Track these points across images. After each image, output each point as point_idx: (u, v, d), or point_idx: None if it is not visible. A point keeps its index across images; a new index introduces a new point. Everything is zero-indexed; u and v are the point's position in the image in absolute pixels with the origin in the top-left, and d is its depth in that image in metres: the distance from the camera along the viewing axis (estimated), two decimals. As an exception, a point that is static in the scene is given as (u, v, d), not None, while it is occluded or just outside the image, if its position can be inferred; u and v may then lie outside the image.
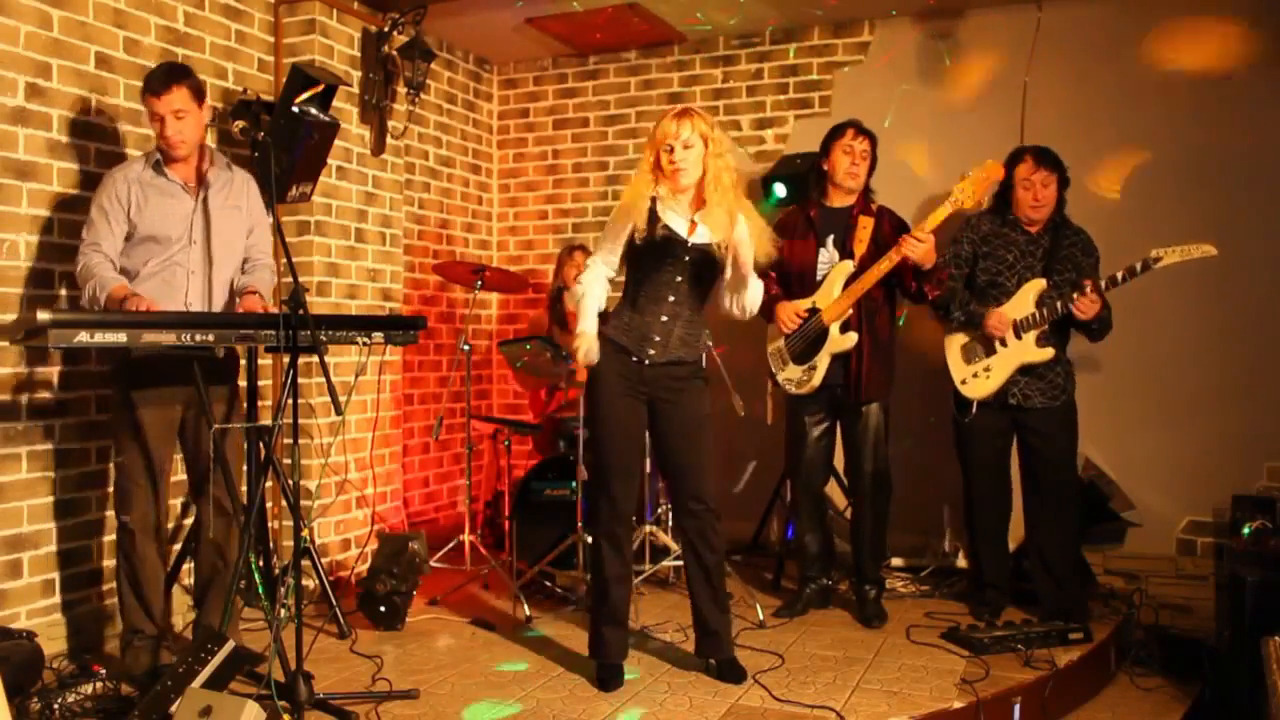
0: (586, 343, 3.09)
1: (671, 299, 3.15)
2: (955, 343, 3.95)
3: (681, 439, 3.19)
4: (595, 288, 3.19)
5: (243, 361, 4.06)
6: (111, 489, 3.40)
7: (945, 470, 4.48)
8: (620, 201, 3.20)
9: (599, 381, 3.15)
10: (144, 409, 3.12)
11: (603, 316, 3.22)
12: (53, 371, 3.46)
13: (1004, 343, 3.79)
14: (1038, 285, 3.76)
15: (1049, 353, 3.74)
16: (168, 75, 3.14)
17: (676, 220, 3.11)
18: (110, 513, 3.63)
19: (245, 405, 3.52)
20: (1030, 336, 3.75)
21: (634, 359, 3.14)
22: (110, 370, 3.25)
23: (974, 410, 3.86)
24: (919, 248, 3.59)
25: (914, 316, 4.49)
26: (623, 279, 3.28)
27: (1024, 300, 3.77)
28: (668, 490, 3.29)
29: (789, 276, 3.95)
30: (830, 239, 3.88)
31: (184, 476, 3.39)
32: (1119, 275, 3.59)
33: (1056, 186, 3.80)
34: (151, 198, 3.16)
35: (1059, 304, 3.68)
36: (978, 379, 3.85)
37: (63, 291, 3.49)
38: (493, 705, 3.00)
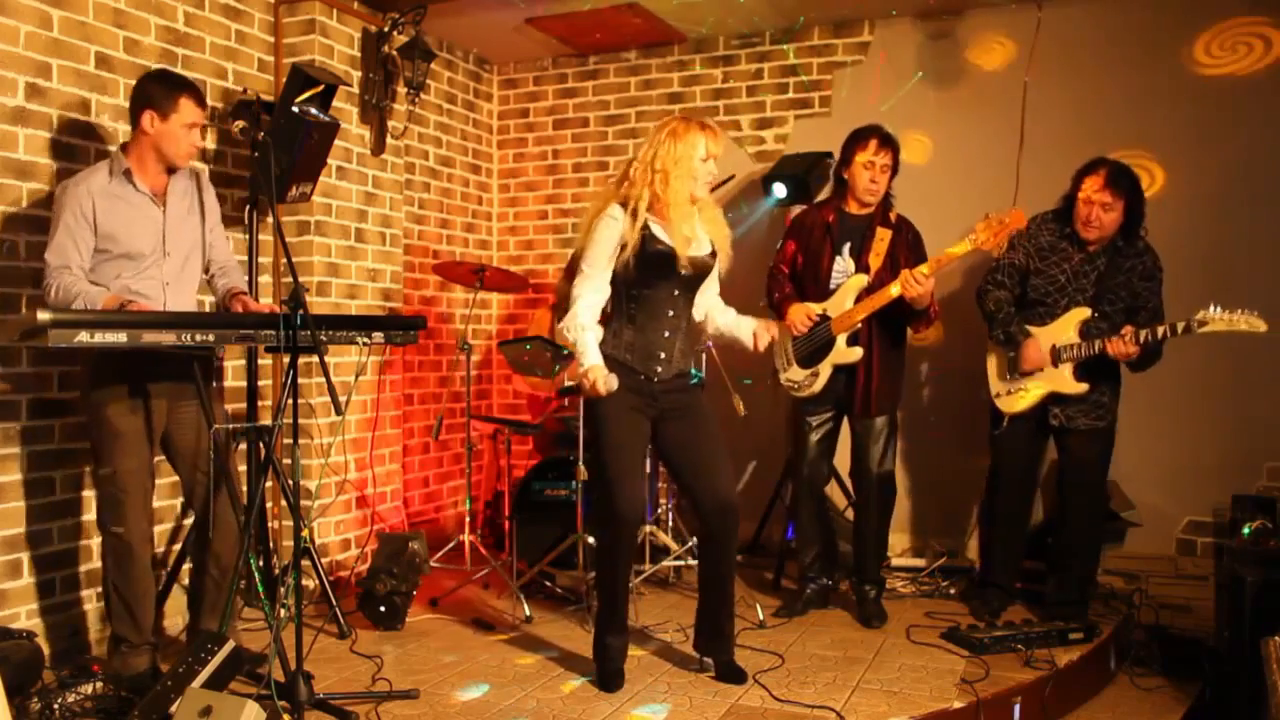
0: (600, 374, 3.00)
1: (671, 314, 3.15)
2: (995, 356, 3.91)
3: (704, 444, 3.17)
4: (594, 322, 3.11)
5: (240, 362, 4.08)
6: (96, 499, 3.25)
7: (946, 471, 4.49)
8: (597, 228, 3.09)
9: (607, 401, 3.04)
10: (128, 413, 3.05)
11: (601, 338, 3.15)
12: (53, 371, 3.46)
13: (1040, 367, 3.75)
14: (1081, 314, 3.68)
15: (1082, 388, 3.67)
16: (198, 89, 3.15)
17: (669, 233, 3.08)
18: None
19: (222, 405, 3.47)
20: (1067, 368, 3.69)
21: (642, 376, 3.12)
22: (87, 375, 3.08)
23: (1006, 424, 3.83)
24: (914, 289, 3.58)
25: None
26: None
27: (1065, 327, 3.70)
28: (694, 493, 3.18)
29: (801, 278, 3.94)
30: (847, 247, 3.85)
31: (175, 478, 3.36)
32: (1160, 330, 3.52)
33: (1122, 213, 3.63)
34: (120, 210, 3.04)
35: (1096, 344, 3.61)
36: (1012, 396, 3.82)
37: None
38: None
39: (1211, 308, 3.46)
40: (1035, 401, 3.76)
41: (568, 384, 4.15)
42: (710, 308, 3.35)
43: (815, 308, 3.84)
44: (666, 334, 3.14)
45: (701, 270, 3.18)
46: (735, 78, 5.41)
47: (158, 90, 3.07)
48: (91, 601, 3.58)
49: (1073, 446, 3.81)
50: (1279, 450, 4.38)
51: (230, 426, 3.20)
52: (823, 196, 4.45)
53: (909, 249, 3.82)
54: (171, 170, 3.17)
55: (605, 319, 3.19)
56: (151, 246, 3.11)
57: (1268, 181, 4.43)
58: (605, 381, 3.00)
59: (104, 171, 3.09)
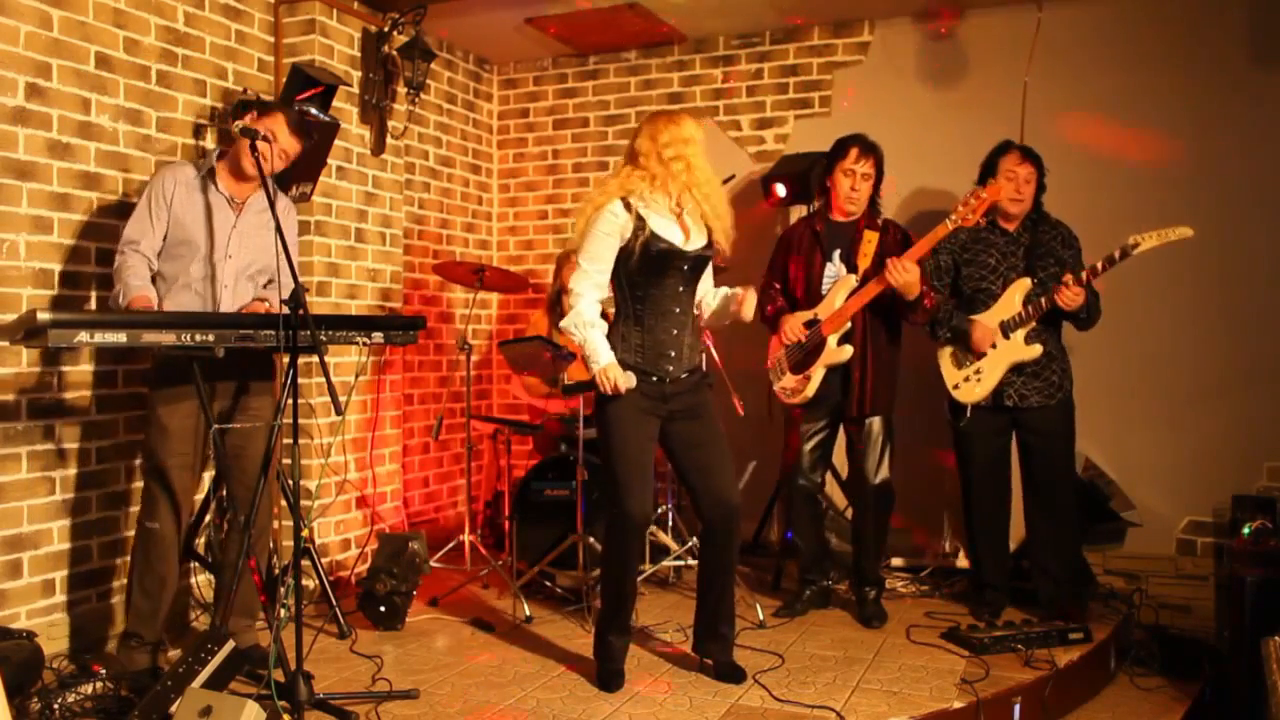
0: (615, 373, 3.00)
1: (677, 310, 3.14)
2: (945, 350, 3.95)
3: (711, 445, 3.17)
4: (598, 317, 3.08)
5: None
6: (140, 492, 3.34)
7: (945, 470, 4.48)
8: (597, 223, 3.06)
9: (617, 402, 3.06)
10: (173, 413, 3.12)
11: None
12: (53, 371, 3.46)
13: (993, 344, 3.80)
14: (1023, 285, 3.77)
15: (1037, 350, 3.74)
16: (295, 114, 3.32)
17: (668, 229, 3.08)
18: (111, 513, 3.63)
19: (276, 401, 3.46)
20: (1018, 335, 3.75)
21: (654, 378, 3.10)
22: (151, 372, 3.25)
23: (969, 415, 3.86)
24: (900, 276, 3.59)
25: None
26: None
27: (1010, 301, 3.78)
28: (697, 492, 3.18)
29: (793, 289, 3.95)
30: (837, 253, 3.87)
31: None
32: (1099, 265, 3.61)
33: (1035, 183, 3.84)
34: (196, 203, 3.20)
35: (1043, 300, 3.69)
36: (969, 383, 3.85)
37: (65, 292, 3.49)
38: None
39: (1141, 234, 3.54)
40: (994, 385, 3.79)
41: (570, 383, 4.15)
42: (704, 295, 3.33)
43: (806, 315, 3.85)
44: (675, 331, 3.13)
45: (701, 261, 3.17)
46: (735, 78, 5.41)
47: (266, 102, 3.35)
48: (92, 601, 3.58)
49: (1031, 432, 3.82)
50: (1279, 450, 4.38)
51: (231, 426, 3.20)
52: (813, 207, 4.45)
53: (898, 247, 3.82)
54: (242, 179, 3.26)
55: (611, 323, 3.17)
56: (217, 244, 3.21)
57: (1269, 181, 4.43)
58: (624, 380, 2.99)
59: (193, 166, 3.26)
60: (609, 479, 3.11)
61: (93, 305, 3.57)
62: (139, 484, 3.74)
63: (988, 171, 3.88)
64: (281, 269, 3.35)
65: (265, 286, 3.37)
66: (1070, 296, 3.63)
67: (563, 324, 3.13)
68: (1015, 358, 3.76)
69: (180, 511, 3.16)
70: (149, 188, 3.22)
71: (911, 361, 4.86)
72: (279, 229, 2.93)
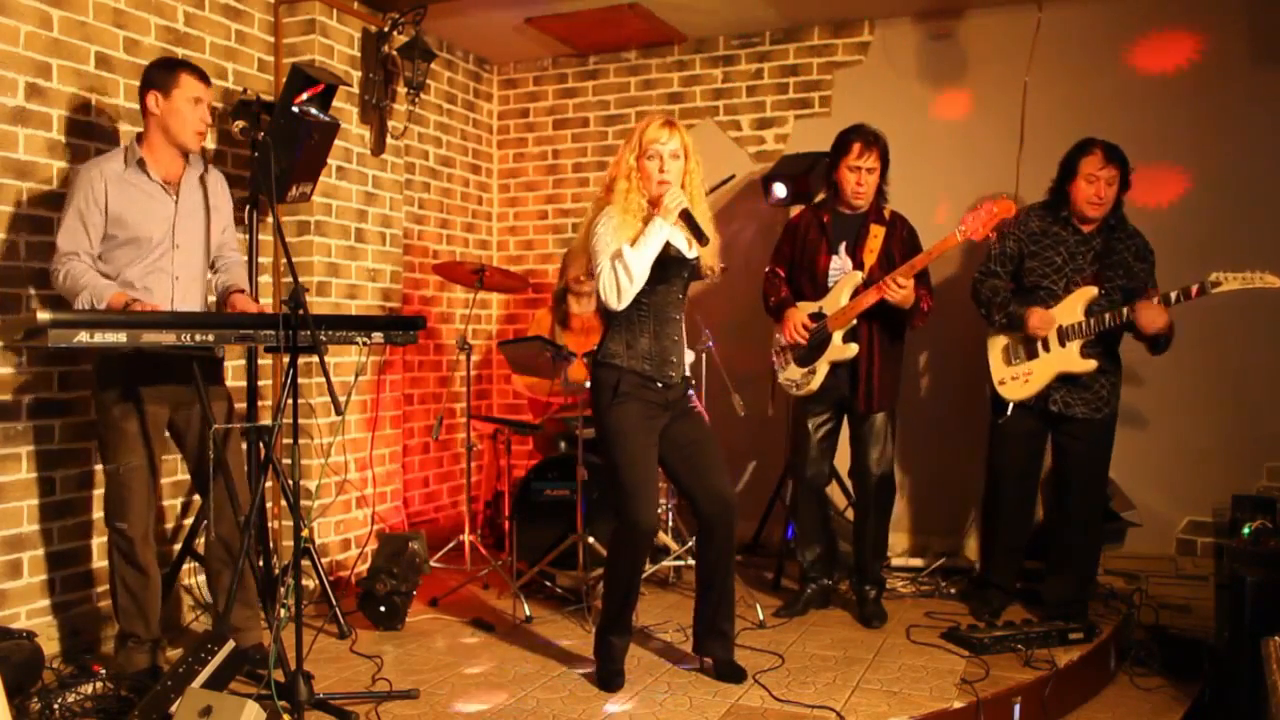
0: (672, 200, 3.00)
1: (677, 317, 3.17)
2: (997, 343, 3.88)
3: (704, 444, 3.19)
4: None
5: (239, 362, 4.08)
6: (103, 495, 3.27)
7: (946, 469, 4.49)
8: (609, 220, 3.07)
9: (624, 412, 3.07)
10: (134, 412, 3.07)
11: (606, 350, 3.14)
12: (53, 371, 3.46)
13: (1046, 347, 3.72)
14: (1088, 293, 3.68)
15: (1091, 365, 3.67)
16: (199, 68, 3.16)
17: (676, 237, 3.10)
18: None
19: (231, 404, 3.46)
20: (1074, 346, 3.68)
21: (659, 385, 3.11)
22: (94, 374, 3.14)
23: (1010, 411, 3.81)
24: (897, 293, 3.60)
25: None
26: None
27: (1072, 307, 3.69)
28: (692, 492, 3.18)
29: (799, 279, 3.95)
30: (843, 246, 3.87)
31: (180, 477, 3.37)
32: (1173, 295, 3.51)
33: (1118, 188, 3.70)
34: (133, 197, 3.06)
35: (1108, 316, 3.60)
36: (1017, 381, 3.79)
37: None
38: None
39: (1224, 273, 3.45)
40: (1042, 386, 3.73)
41: (572, 383, 4.15)
42: None
43: (810, 306, 3.85)
44: (675, 338, 3.16)
45: (695, 270, 3.20)
46: (735, 78, 5.41)
47: (157, 71, 3.12)
48: (92, 601, 3.58)
49: (1070, 439, 3.79)
50: (1279, 450, 4.38)
51: (229, 426, 3.20)
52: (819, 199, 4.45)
53: (903, 245, 3.83)
54: (185, 155, 3.18)
55: (608, 331, 3.17)
56: (161, 236, 3.12)
57: (1269, 181, 4.43)
58: (675, 197, 3.00)
59: (119, 158, 3.11)
60: (617, 489, 3.09)
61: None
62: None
63: (1066, 172, 3.75)
64: (235, 262, 3.34)
65: (214, 268, 3.30)
66: (1152, 316, 3.50)
67: (600, 285, 3.04)
68: (1066, 368, 3.69)
69: (146, 509, 3.11)
70: (75, 190, 3.00)
71: (921, 359, 4.88)
72: (279, 227, 2.93)
